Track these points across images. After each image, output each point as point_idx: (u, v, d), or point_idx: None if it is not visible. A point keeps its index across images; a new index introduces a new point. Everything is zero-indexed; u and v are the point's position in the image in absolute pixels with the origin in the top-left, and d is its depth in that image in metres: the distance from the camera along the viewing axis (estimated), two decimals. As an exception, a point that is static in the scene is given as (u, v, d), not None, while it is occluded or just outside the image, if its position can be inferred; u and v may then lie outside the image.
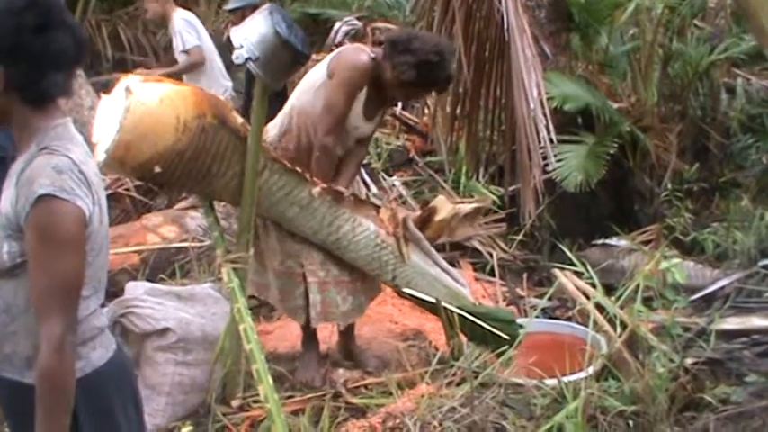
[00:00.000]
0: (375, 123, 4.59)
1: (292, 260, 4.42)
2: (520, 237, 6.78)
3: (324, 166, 4.33)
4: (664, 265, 5.53)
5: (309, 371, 4.58)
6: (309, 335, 4.68)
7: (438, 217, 4.62)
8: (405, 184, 7.56)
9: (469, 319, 4.48)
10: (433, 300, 4.46)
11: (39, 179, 2.11)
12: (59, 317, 2.13)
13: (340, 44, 9.40)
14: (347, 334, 4.82)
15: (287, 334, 5.03)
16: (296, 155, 4.34)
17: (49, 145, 2.18)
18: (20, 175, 2.18)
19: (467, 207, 4.86)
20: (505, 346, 4.44)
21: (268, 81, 3.82)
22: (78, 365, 2.22)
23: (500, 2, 5.03)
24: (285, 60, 3.75)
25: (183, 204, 6.95)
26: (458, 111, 5.87)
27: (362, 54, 4.33)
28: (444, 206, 4.67)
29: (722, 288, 5.63)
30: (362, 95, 4.35)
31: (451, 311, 4.45)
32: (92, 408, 2.28)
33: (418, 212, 4.86)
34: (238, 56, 3.65)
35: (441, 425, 3.87)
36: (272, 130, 4.43)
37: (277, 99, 4.61)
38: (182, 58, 7.44)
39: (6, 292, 2.25)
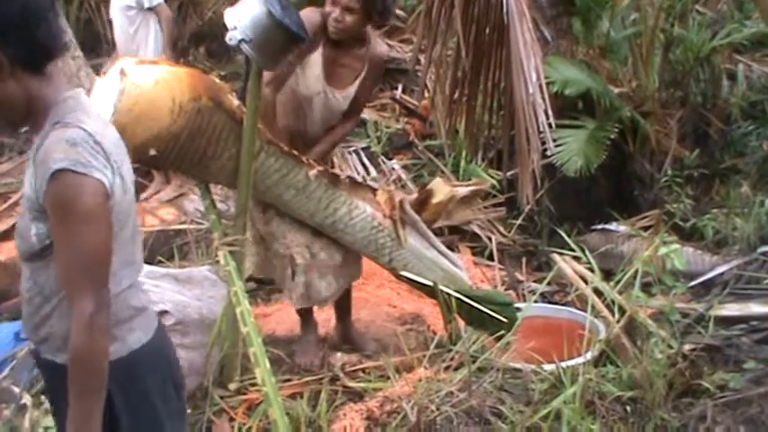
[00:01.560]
0: (354, 96, 4.44)
1: (278, 243, 4.42)
2: (519, 221, 6.79)
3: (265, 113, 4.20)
4: (663, 250, 5.53)
5: (308, 355, 4.58)
6: (307, 318, 4.69)
7: (435, 199, 4.58)
8: (404, 167, 7.57)
9: (467, 303, 4.47)
10: (431, 283, 4.45)
11: (53, 154, 2.06)
12: (89, 294, 2.08)
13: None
14: (344, 318, 4.82)
15: (285, 317, 5.03)
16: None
17: (61, 119, 2.13)
18: (36, 154, 2.14)
19: (464, 190, 4.83)
20: (503, 330, 4.44)
21: (261, 63, 3.78)
22: (114, 347, 2.19)
23: (499, -16, 5.00)
24: (279, 42, 3.70)
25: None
26: (456, 94, 5.85)
27: (313, 11, 4.32)
28: (441, 188, 4.64)
29: (721, 274, 5.63)
30: (318, 57, 4.31)
31: (449, 295, 4.44)
32: (127, 390, 2.25)
33: (415, 195, 4.83)
34: (231, 37, 3.60)
35: (438, 409, 3.87)
36: None
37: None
38: (132, 15, 7.32)
39: (39, 274, 2.23)
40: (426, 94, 7.97)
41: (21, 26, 2.09)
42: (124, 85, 3.45)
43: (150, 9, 7.31)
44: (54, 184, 2.06)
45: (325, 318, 4.94)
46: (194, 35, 10.65)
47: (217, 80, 3.95)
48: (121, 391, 2.23)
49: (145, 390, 2.30)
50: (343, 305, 4.80)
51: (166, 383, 2.41)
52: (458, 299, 4.46)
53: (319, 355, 4.59)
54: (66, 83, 2.26)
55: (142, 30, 7.38)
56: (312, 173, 4.10)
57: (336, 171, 4.28)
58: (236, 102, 3.85)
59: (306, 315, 4.69)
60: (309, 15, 4.23)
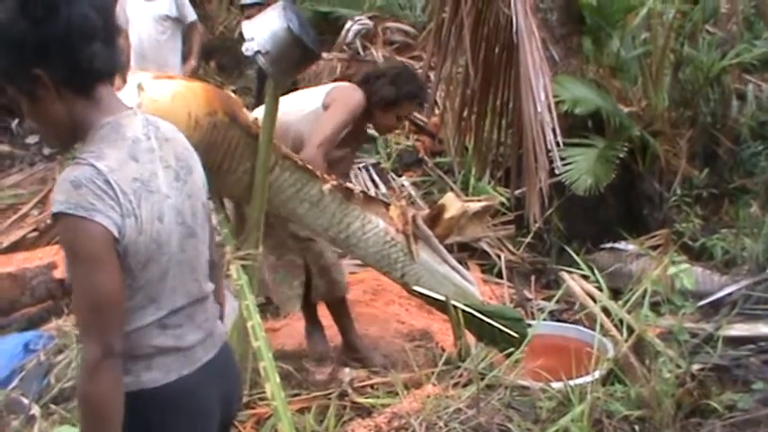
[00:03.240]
0: (346, 152, 4.77)
1: (291, 253, 4.59)
2: (528, 239, 6.80)
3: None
4: (672, 270, 5.53)
5: (319, 345, 4.83)
6: (312, 313, 4.90)
7: (447, 214, 4.61)
8: (414, 184, 7.59)
9: (478, 318, 4.48)
10: (442, 298, 4.46)
11: (56, 195, 2.00)
12: (94, 338, 2.00)
13: (351, 43, 9.42)
14: (347, 329, 4.87)
15: (294, 332, 5.04)
16: None
17: (81, 153, 2.06)
18: None
19: (476, 205, 4.85)
20: (514, 346, 4.45)
21: (276, 76, 3.82)
22: (127, 380, 2.09)
23: (509, 5, 5.02)
24: (295, 57, 3.74)
25: None
26: (466, 112, 5.87)
27: (358, 92, 4.58)
28: (453, 204, 4.66)
29: (730, 294, 5.62)
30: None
31: (460, 309, 4.46)
32: (131, 426, 2.11)
33: (427, 210, 4.87)
34: (248, 48, 3.65)
35: (446, 426, 3.86)
36: None
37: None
38: (167, 26, 7.44)
39: None
40: (436, 111, 8.01)
41: (64, 46, 2.03)
42: (141, 100, 3.47)
43: (185, 23, 7.48)
44: (57, 226, 2.03)
45: (333, 333, 4.95)
46: (205, 49, 10.72)
47: (232, 95, 3.97)
48: (127, 426, 2.10)
49: (149, 429, 2.18)
50: (341, 318, 4.86)
51: None
52: (469, 314, 4.47)
53: (329, 347, 4.81)
54: (117, 104, 2.19)
55: (173, 40, 7.51)
56: (326, 187, 4.13)
57: (350, 185, 4.30)
58: (251, 116, 3.88)
59: (311, 311, 4.89)
60: (357, 97, 4.57)
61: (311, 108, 4.51)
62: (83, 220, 1.98)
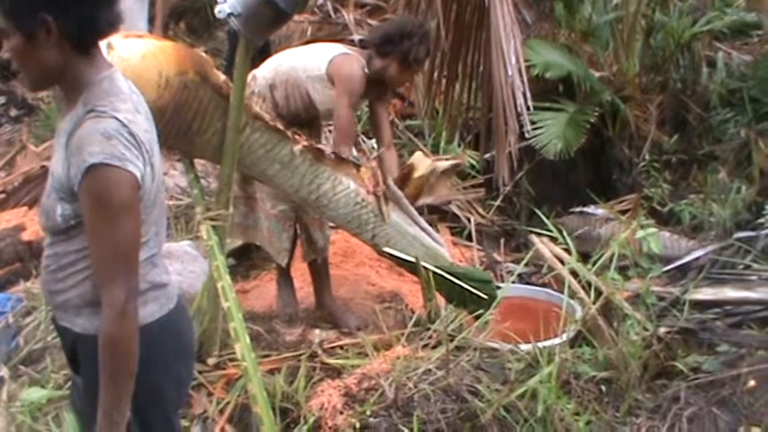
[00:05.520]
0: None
1: (284, 204, 4.59)
2: (498, 202, 6.82)
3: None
4: (640, 234, 5.56)
5: (289, 306, 4.82)
6: (284, 273, 4.87)
7: (417, 174, 4.62)
8: (384, 146, 7.54)
9: (448, 279, 4.50)
10: (412, 259, 4.47)
11: (88, 147, 2.08)
12: (121, 282, 2.13)
13: (322, 6, 9.33)
14: (323, 293, 4.86)
15: (264, 293, 5.04)
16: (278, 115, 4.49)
17: (95, 106, 2.14)
18: (69, 139, 2.15)
19: (444, 163, 4.85)
20: (483, 307, 4.47)
21: (249, 37, 3.79)
22: None
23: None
24: (268, 18, 3.70)
25: None
26: (436, 75, 5.85)
27: (358, 68, 4.56)
28: (422, 162, 4.67)
29: (697, 259, 5.67)
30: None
31: (430, 271, 4.47)
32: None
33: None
34: (221, 10, 3.61)
35: (416, 387, 3.89)
36: (260, 80, 4.59)
37: (260, 56, 4.61)
38: None
39: (60, 250, 2.27)
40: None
41: (84, 7, 2.12)
42: (111, 59, 3.42)
43: None
44: (90, 177, 2.08)
45: (304, 295, 4.95)
46: (174, 10, 10.58)
47: (203, 54, 3.93)
48: None
49: (148, 364, 2.28)
50: (319, 280, 4.86)
51: (174, 364, 2.45)
52: (439, 275, 4.49)
53: (298, 307, 4.83)
54: (105, 60, 2.28)
55: (140, 2, 7.43)
56: (297, 148, 4.11)
57: (321, 146, 4.29)
58: (222, 77, 3.84)
59: (283, 270, 4.86)
60: (359, 74, 4.55)
61: (316, 72, 4.54)
62: (117, 169, 2.09)
